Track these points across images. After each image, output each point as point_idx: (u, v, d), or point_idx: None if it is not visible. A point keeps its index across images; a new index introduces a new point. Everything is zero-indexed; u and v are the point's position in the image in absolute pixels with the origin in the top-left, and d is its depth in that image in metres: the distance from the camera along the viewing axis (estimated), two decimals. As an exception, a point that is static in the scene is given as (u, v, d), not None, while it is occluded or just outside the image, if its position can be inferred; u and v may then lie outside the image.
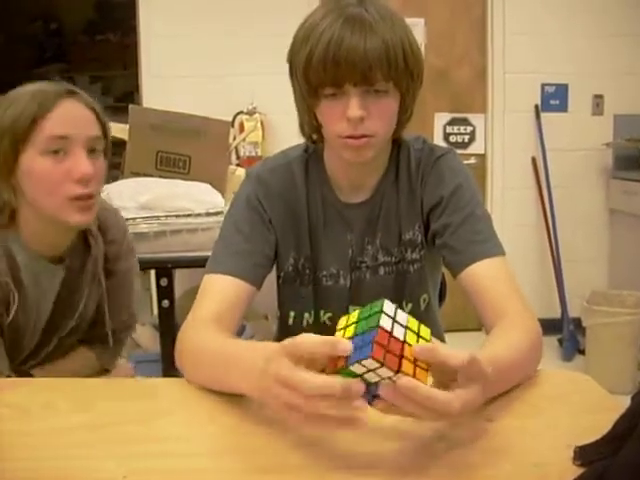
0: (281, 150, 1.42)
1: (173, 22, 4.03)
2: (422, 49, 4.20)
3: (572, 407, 1.00)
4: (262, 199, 1.33)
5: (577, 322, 3.86)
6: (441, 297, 1.61)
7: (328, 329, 1.37)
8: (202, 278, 1.26)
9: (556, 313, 4.15)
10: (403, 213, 1.34)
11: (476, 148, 4.29)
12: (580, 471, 0.76)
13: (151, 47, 4.06)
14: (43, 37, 6.43)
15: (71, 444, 0.91)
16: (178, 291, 2.34)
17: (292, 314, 1.42)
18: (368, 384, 0.76)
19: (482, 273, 1.20)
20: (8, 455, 0.89)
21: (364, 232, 1.36)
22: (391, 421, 0.88)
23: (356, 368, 0.75)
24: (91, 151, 1.32)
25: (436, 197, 1.30)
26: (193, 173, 2.50)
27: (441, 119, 4.26)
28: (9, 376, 1.32)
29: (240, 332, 1.27)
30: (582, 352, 3.88)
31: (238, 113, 3.93)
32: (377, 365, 0.74)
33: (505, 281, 1.20)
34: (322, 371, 0.78)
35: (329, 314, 1.40)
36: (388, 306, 0.79)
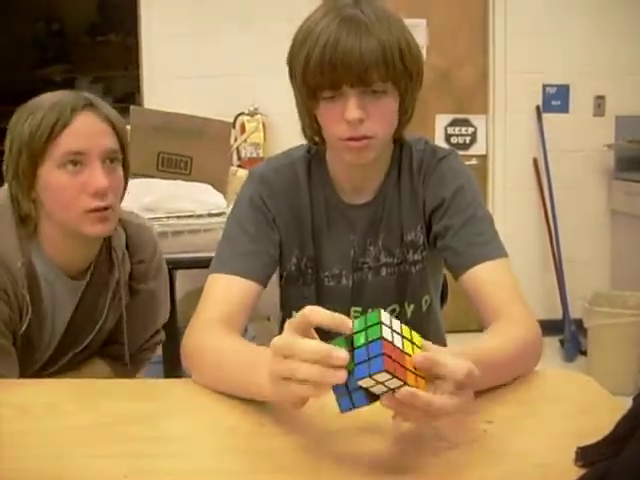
0: (284, 150, 1.42)
1: (174, 23, 4.03)
2: (424, 50, 4.22)
3: (573, 408, 1.00)
4: (266, 199, 1.33)
5: (579, 323, 3.86)
6: (443, 298, 1.61)
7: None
8: (205, 279, 1.26)
9: (558, 314, 4.15)
10: (405, 214, 1.34)
11: (477, 149, 4.30)
12: (582, 472, 0.76)
13: (152, 48, 4.06)
14: (45, 38, 6.43)
15: (74, 443, 0.91)
16: (180, 292, 2.34)
17: (294, 314, 1.41)
18: (371, 395, 0.77)
19: (483, 275, 1.20)
20: (12, 454, 0.89)
21: (366, 233, 1.36)
22: (390, 421, 0.88)
23: (365, 382, 0.75)
24: (110, 161, 1.32)
25: (438, 198, 1.30)
26: (194, 174, 2.50)
27: (442, 120, 4.26)
28: None
29: (242, 333, 1.27)
30: (584, 353, 3.88)
31: (239, 114, 3.94)
32: (388, 377, 0.74)
33: (506, 283, 1.20)
34: None
35: (331, 314, 1.39)
36: (385, 316, 0.79)
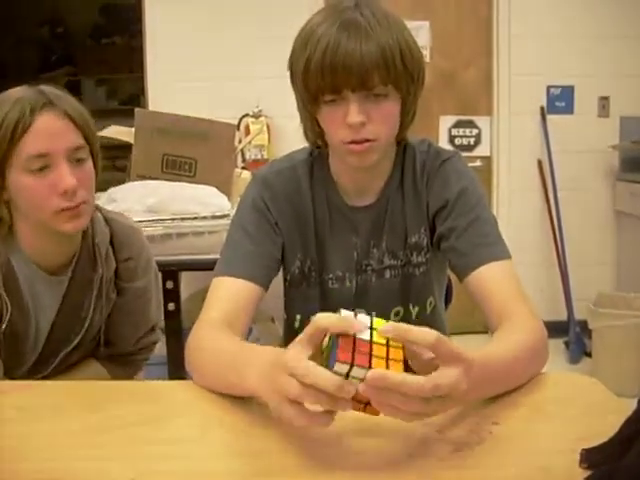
0: (287, 153, 1.42)
1: (179, 25, 4.04)
2: (428, 52, 4.22)
3: (578, 410, 1.00)
4: (268, 201, 1.33)
5: (583, 325, 3.85)
6: (447, 300, 1.61)
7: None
8: (209, 281, 1.26)
9: (562, 316, 4.14)
10: (409, 216, 1.34)
11: (482, 151, 4.29)
12: (586, 474, 0.76)
13: (157, 50, 4.07)
14: (50, 41, 6.45)
15: (80, 446, 0.92)
16: (184, 294, 2.34)
17: (298, 317, 1.42)
18: None
19: (488, 276, 1.20)
20: (18, 456, 0.89)
21: (370, 235, 1.36)
22: (397, 424, 0.88)
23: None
24: (76, 158, 1.31)
25: (442, 200, 1.30)
26: (199, 176, 2.50)
27: (446, 122, 4.26)
28: None
29: (246, 335, 1.27)
30: (588, 355, 3.88)
31: (244, 116, 3.94)
32: (347, 367, 0.75)
33: (511, 284, 1.20)
34: None
35: (335, 317, 1.39)
36: (345, 312, 0.81)
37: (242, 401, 0.99)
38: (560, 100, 4.23)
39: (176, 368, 2.02)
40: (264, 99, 3.91)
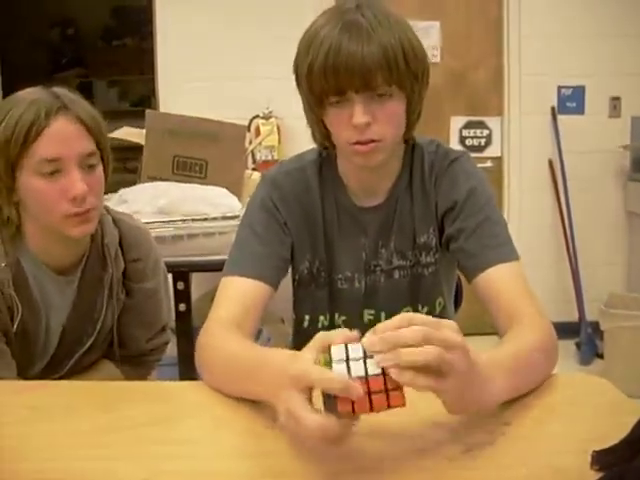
0: (296, 154, 1.42)
1: (189, 27, 4.04)
2: (438, 52, 4.20)
3: (590, 411, 0.99)
4: (277, 202, 1.34)
5: (595, 326, 3.83)
6: (457, 302, 1.61)
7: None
8: (219, 281, 1.27)
9: (573, 317, 4.12)
10: (417, 217, 1.34)
11: (492, 151, 4.28)
12: (598, 476, 0.76)
13: (168, 52, 4.08)
14: (61, 43, 6.49)
15: (92, 445, 0.92)
16: (195, 294, 2.35)
17: (307, 317, 1.42)
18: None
19: (497, 278, 1.20)
20: (30, 456, 0.90)
21: (378, 236, 1.36)
22: (407, 424, 0.88)
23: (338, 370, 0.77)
24: (87, 164, 1.32)
25: (450, 201, 1.30)
26: (210, 177, 2.51)
27: (457, 122, 4.25)
28: None
29: (256, 336, 1.27)
30: (600, 356, 3.86)
31: (254, 117, 3.95)
32: (343, 348, 0.77)
33: (519, 286, 1.19)
34: None
35: (344, 317, 1.40)
36: (336, 351, 0.79)
37: (252, 402, 1.00)
38: (571, 100, 4.21)
39: (187, 369, 2.03)
40: (274, 100, 3.91)
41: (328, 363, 0.79)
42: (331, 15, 1.19)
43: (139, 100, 6.08)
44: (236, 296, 1.23)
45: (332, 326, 1.40)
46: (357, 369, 0.77)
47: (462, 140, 4.25)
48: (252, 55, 4.03)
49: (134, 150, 2.75)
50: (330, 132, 1.25)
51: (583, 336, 4.01)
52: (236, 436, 0.95)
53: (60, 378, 1.46)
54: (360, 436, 0.87)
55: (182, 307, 2.10)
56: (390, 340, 0.77)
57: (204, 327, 1.19)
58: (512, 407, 0.97)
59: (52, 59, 6.37)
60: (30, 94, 1.31)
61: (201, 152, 2.53)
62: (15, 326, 1.35)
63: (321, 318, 1.40)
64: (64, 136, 1.29)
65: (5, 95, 1.38)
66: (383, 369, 0.77)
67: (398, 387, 0.77)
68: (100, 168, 1.36)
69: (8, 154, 1.27)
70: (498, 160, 4.27)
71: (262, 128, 3.88)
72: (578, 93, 4.21)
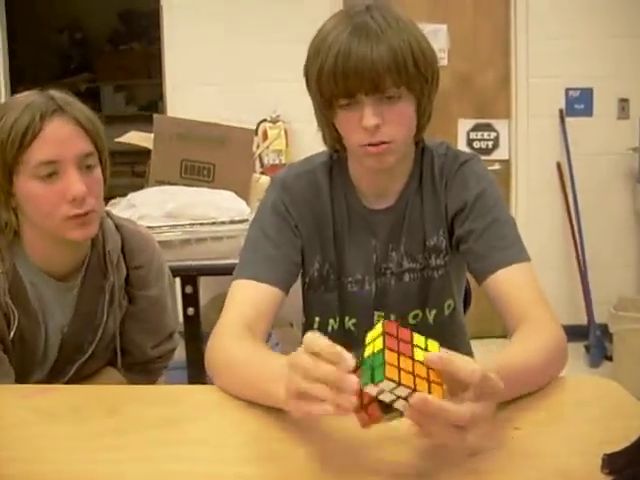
0: (305, 157, 1.42)
1: (197, 31, 4.06)
2: (446, 55, 4.19)
3: (599, 414, 0.99)
4: (288, 205, 1.34)
5: (604, 328, 3.82)
6: (466, 304, 1.60)
7: (353, 335, 1.37)
8: (229, 285, 1.26)
9: (582, 319, 4.11)
10: (427, 219, 1.34)
11: (500, 154, 4.27)
12: (608, 479, 0.76)
13: (175, 56, 4.09)
14: (69, 48, 6.51)
15: (98, 448, 0.93)
16: (203, 299, 2.35)
17: (317, 320, 1.42)
18: (386, 406, 0.76)
19: (506, 279, 1.20)
20: (38, 459, 0.90)
21: (388, 238, 1.36)
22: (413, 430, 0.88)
23: (370, 389, 0.75)
24: (85, 165, 1.31)
25: (460, 202, 1.30)
26: (217, 181, 2.51)
27: (465, 125, 4.25)
28: None
29: (266, 340, 1.27)
30: (609, 359, 3.84)
31: (262, 121, 3.95)
32: (393, 385, 0.74)
33: (529, 288, 1.19)
34: None
35: (354, 320, 1.40)
36: (389, 326, 0.79)
37: (258, 406, 1.00)
38: (579, 102, 4.20)
39: (196, 373, 2.03)
40: (281, 104, 3.92)
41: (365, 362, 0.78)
42: (340, 18, 1.20)
43: (146, 104, 6.10)
44: (247, 300, 1.23)
45: (342, 329, 1.40)
46: (406, 349, 0.78)
47: (470, 143, 4.25)
48: (259, 59, 4.04)
49: (142, 154, 2.76)
50: (341, 135, 1.25)
51: (592, 339, 4.00)
52: (244, 439, 0.95)
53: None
54: (367, 441, 0.87)
55: (190, 311, 2.10)
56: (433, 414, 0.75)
57: (215, 330, 1.18)
58: (520, 410, 0.97)
59: (60, 63, 6.40)
60: (25, 97, 1.30)
61: (209, 156, 2.53)
62: (12, 334, 1.34)
63: (331, 321, 1.40)
64: (60, 138, 1.27)
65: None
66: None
67: (439, 383, 0.77)
68: (98, 170, 1.34)
69: (5, 159, 1.26)
70: (506, 163, 4.27)
71: (269, 132, 3.89)
72: (586, 95, 4.20)
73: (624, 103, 4.19)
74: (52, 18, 6.15)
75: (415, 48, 1.18)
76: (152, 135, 2.61)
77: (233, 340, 1.13)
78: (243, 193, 2.45)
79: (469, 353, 1.42)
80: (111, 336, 1.49)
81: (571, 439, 0.91)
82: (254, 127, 3.63)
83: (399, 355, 0.77)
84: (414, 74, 1.18)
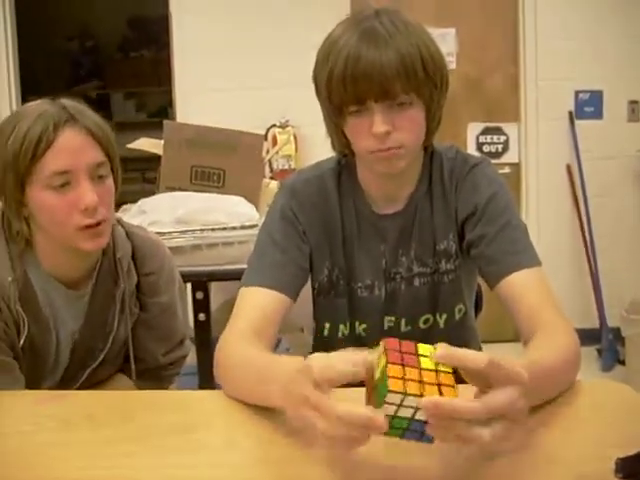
0: (314, 162, 1.43)
1: (206, 37, 4.07)
2: (454, 58, 4.18)
3: (613, 418, 0.99)
4: (296, 211, 1.34)
5: (616, 332, 3.80)
6: (477, 308, 1.60)
7: (363, 340, 1.37)
8: (238, 291, 1.27)
9: (594, 323, 4.09)
10: (437, 223, 1.34)
11: (510, 157, 4.26)
12: (622, 484, 0.75)
13: (185, 63, 4.11)
14: (79, 55, 6.55)
15: (111, 455, 0.93)
16: (214, 304, 2.35)
17: (327, 325, 1.42)
18: (409, 423, 0.75)
19: (519, 284, 1.19)
20: (54, 465, 0.91)
21: (398, 243, 1.36)
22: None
23: (387, 410, 0.74)
24: (97, 175, 1.31)
25: (471, 206, 1.29)
26: (227, 187, 2.52)
27: (474, 129, 4.24)
28: None
29: (276, 345, 1.27)
30: (622, 362, 3.82)
31: (271, 126, 3.96)
32: (401, 397, 0.73)
33: (542, 292, 1.19)
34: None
35: (364, 325, 1.39)
36: (391, 342, 0.79)
37: (270, 411, 1.00)
38: (589, 105, 4.19)
39: (207, 378, 2.03)
40: (291, 109, 3.92)
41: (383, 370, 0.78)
42: (349, 24, 1.20)
43: (156, 111, 6.13)
44: (255, 306, 1.23)
45: (352, 334, 1.39)
46: (411, 360, 0.77)
47: (479, 146, 4.24)
48: (268, 65, 4.05)
49: (152, 161, 2.77)
50: (349, 140, 1.26)
51: (604, 342, 3.98)
52: (255, 445, 0.95)
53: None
54: (376, 444, 0.87)
55: (201, 317, 2.11)
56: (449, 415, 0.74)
57: (222, 337, 1.19)
58: (535, 415, 0.96)
59: (71, 71, 6.44)
60: (37, 107, 1.30)
61: (219, 162, 2.54)
62: (22, 341, 1.34)
63: (341, 327, 1.40)
64: (73, 148, 1.28)
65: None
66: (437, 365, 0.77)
67: (452, 385, 0.77)
68: (110, 179, 1.35)
69: (17, 169, 1.26)
70: (516, 166, 4.26)
71: (279, 137, 3.90)
72: (596, 97, 4.18)
73: (634, 105, 4.18)
74: (62, 26, 6.19)
75: (424, 53, 1.18)
76: (162, 141, 2.62)
77: (241, 347, 1.13)
78: (253, 198, 2.46)
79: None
80: (122, 343, 1.50)
81: (584, 443, 0.90)
82: (263, 132, 3.64)
83: (404, 367, 0.76)
84: (423, 79, 1.18)
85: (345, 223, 1.36)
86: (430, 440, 0.77)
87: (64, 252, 1.36)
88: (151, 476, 0.87)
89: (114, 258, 1.44)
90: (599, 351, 3.98)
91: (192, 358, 2.04)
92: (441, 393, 0.75)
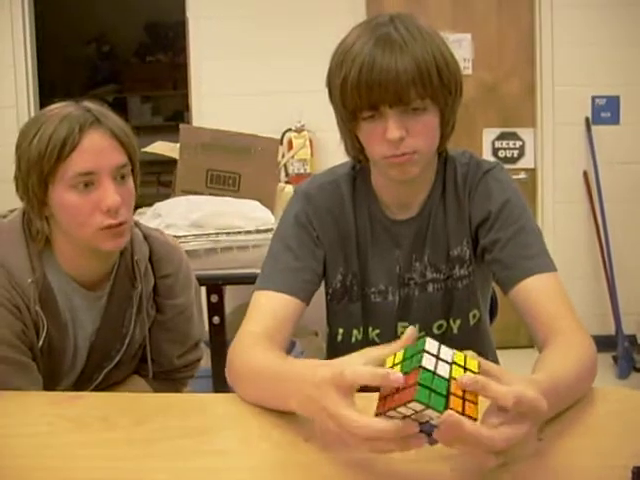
0: (329, 168, 1.43)
1: (222, 42, 4.09)
2: (470, 64, 4.17)
3: (629, 426, 0.98)
4: (310, 216, 1.34)
5: (632, 339, 3.78)
6: (492, 314, 1.59)
7: (376, 345, 1.37)
8: (252, 295, 1.27)
9: (610, 330, 4.06)
10: (451, 229, 1.34)
11: (526, 163, 4.24)
12: (637, 491, 0.75)
13: (200, 67, 4.13)
14: (96, 60, 6.60)
15: (125, 456, 0.93)
16: (229, 307, 2.36)
17: (341, 331, 1.42)
18: (420, 423, 0.76)
19: (533, 289, 1.19)
20: (68, 466, 0.91)
21: (412, 249, 1.36)
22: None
23: (403, 410, 0.74)
24: (120, 176, 1.33)
25: (484, 212, 1.29)
26: (243, 191, 2.53)
27: (490, 134, 4.23)
28: None
29: (290, 349, 1.27)
30: (638, 370, 3.80)
31: (286, 131, 3.97)
32: (422, 407, 0.73)
33: (557, 297, 1.18)
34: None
35: (377, 331, 1.39)
36: (430, 344, 0.79)
37: (285, 414, 1.00)
38: (605, 110, 4.17)
39: (221, 381, 2.03)
40: (306, 113, 3.93)
41: (399, 363, 0.78)
42: (364, 29, 1.20)
43: (172, 115, 6.16)
44: (268, 310, 1.24)
45: (366, 339, 1.39)
46: (443, 371, 0.77)
47: (495, 152, 4.23)
48: (284, 69, 4.06)
49: (168, 164, 2.79)
50: (363, 146, 1.26)
51: (620, 350, 3.95)
52: (270, 448, 0.95)
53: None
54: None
55: (216, 320, 2.12)
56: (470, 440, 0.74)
57: (235, 340, 1.19)
58: (549, 422, 0.96)
59: (88, 75, 6.48)
60: (61, 109, 1.32)
61: (234, 166, 2.55)
62: (41, 342, 1.35)
63: (354, 332, 1.40)
64: (97, 149, 1.29)
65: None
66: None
67: (474, 402, 0.76)
68: (131, 181, 1.36)
69: (41, 169, 1.28)
70: (532, 172, 4.24)
71: (294, 141, 3.91)
72: (613, 103, 4.16)
73: (652, 110, 4.15)
74: (80, 32, 6.24)
75: (439, 59, 1.17)
76: (178, 145, 2.63)
77: (255, 351, 1.14)
78: (268, 202, 2.46)
79: (495, 363, 1.41)
80: (138, 345, 1.51)
81: (600, 451, 0.90)
82: (279, 137, 3.65)
83: (434, 375, 0.76)
84: (438, 86, 1.17)
85: (359, 228, 1.36)
86: (432, 443, 0.77)
87: (83, 253, 1.38)
88: (165, 479, 0.87)
89: (132, 260, 1.45)
90: (615, 358, 3.95)
91: (206, 361, 2.04)
92: (464, 408, 0.75)
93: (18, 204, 1.39)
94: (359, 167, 1.37)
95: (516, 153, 4.24)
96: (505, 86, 4.19)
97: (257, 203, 2.41)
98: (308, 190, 1.37)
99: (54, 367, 1.40)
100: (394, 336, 1.36)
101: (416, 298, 1.37)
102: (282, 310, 1.24)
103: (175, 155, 2.64)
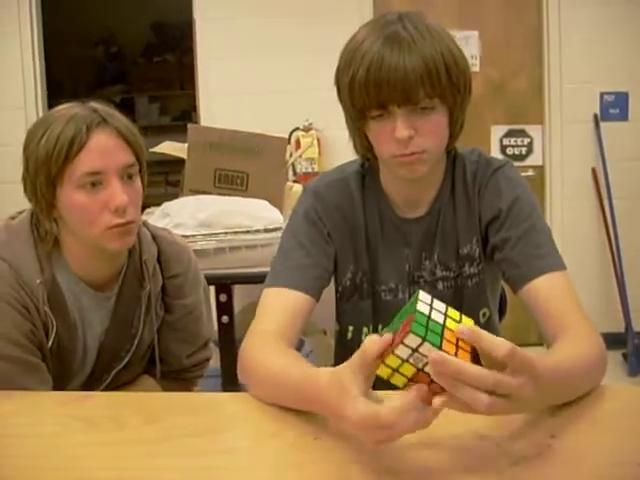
0: (337, 165, 1.43)
1: (229, 42, 4.09)
2: (477, 61, 4.16)
3: (638, 423, 0.98)
4: (320, 213, 1.34)
5: (642, 336, 3.76)
6: (501, 312, 1.59)
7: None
8: (261, 292, 1.27)
9: (620, 327, 4.04)
10: (460, 227, 1.33)
11: (534, 160, 4.23)
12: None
13: (208, 66, 4.13)
14: (104, 60, 6.62)
15: (135, 456, 0.94)
16: (237, 306, 2.36)
17: (351, 328, 1.42)
18: (414, 374, 0.77)
19: (544, 288, 1.18)
20: (79, 465, 0.92)
21: (421, 247, 1.35)
22: (453, 436, 0.88)
23: (401, 351, 0.76)
24: (127, 176, 1.33)
25: (494, 210, 1.29)
26: (251, 190, 2.53)
27: (498, 131, 4.22)
28: None
29: (299, 347, 1.27)
30: (648, 367, 3.78)
31: (294, 130, 3.97)
32: (419, 341, 0.75)
33: (566, 296, 1.18)
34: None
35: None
36: (424, 295, 0.82)
37: (295, 413, 1.00)
38: (614, 107, 4.15)
39: (230, 380, 2.04)
40: (314, 113, 3.93)
41: (394, 369, 0.79)
42: (372, 28, 1.19)
43: (180, 115, 6.17)
44: (279, 308, 1.24)
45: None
46: (437, 317, 0.80)
47: (503, 149, 4.22)
48: (292, 68, 4.06)
49: (176, 164, 2.79)
50: (372, 144, 1.25)
51: (630, 347, 3.93)
52: (279, 446, 0.95)
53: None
54: (405, 449, 0.87)
55: (225, 319, 2.12)
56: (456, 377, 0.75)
57: (247, 338, 1.19)
58: (559, 419, 0.96)
59: (96, 76, 6.50)
60: (68, 110, 1.32)
61: (242, 165, 2.55)
62: (50, 342, 1.36)
63: (364, 329, 1.40)
64: (105, 149, 1.30)
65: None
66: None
67: (468, 351, 0.78)
68: (139, 181, 1.37)
69: (49, 170, 1.28)
70: (540, 169, 4.23)
71: (302, 140, 3.91)
72: (621, 99, 4.14)
73: (660, 106, 4.13)
74: (87, 33, 6.25)
75: (448, 58, 1.17)
76: (186, 145, 2.64)
77: (264, 348, 1.14)
78: (276, 201, 2.46)
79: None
80: (147, 345, 1.51)
81: (609, 448, 0.90)
82: (287, 136, 3.65)
83: (429, 319, 0.79)
84: (447, 85, 1.17)
85: (369, 226, 1.36)
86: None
87: (92, 254, 1.38)
88: (175, 478, 0.88)
89: (140, 260, 1.46)
90: (625, 355, 3.94)
91: (215, 360, 2.05)
92: (456, 354, 0.77)
93: (27, 205, 1.39)
94: (368, 165, 1.37)
95: (524, 150, 4.23)
96: (513, 83, 4.18)
97: (265, 202, 2.42)
98: (317, 187, 1.37)
99: (64, 367, 1.41)
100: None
101: (426, 296, 1.36)
102: (293, 306, 1.24)
103: (183, 155, 2.65)
